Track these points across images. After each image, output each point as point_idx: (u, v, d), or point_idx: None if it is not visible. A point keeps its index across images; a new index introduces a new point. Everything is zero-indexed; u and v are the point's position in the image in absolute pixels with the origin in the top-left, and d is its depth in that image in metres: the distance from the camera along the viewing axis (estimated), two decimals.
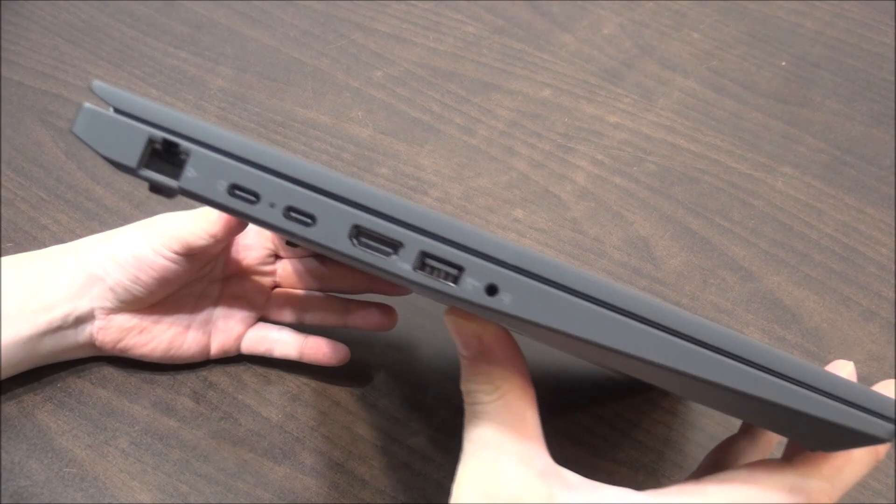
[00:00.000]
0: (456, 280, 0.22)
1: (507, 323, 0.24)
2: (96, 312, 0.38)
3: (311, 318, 0.42)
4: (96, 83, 0.22)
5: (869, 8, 0.60)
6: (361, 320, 0.41)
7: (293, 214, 0.21)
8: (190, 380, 0.42)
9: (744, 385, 0.22)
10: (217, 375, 0.42)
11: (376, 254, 0.21)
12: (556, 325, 0.21)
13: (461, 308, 0.25)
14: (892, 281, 0.47)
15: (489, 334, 0.26)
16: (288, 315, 0.42)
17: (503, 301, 0.21)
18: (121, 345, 0.39)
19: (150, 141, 0.22)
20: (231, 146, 0.22)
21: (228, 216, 0.36)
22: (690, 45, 0.58)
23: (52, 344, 0.38)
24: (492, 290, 0.21)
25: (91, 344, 0.39)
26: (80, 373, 0.41)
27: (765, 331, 0.45)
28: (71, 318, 0.38)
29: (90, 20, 0.58)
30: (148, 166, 0.22)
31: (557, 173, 0.51)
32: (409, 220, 0.22)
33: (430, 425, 0.41)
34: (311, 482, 0.39)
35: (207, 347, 0.41)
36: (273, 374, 0.42)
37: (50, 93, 0.54)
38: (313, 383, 0.42)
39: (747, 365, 0.22)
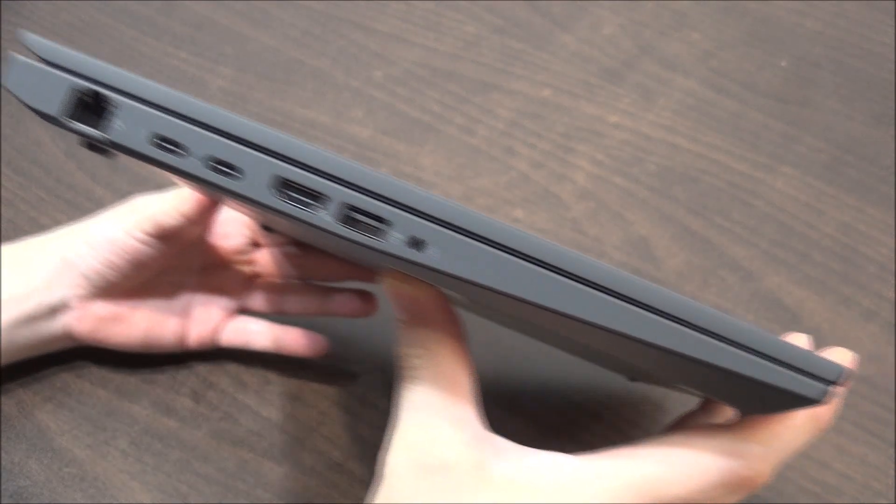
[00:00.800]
0: (381, 234, 0.21)
1: (435, 280, 0.24)
2: (71, 301, 0.38)
3: (292, 306, 0.41)
4: (24, 32, 0.22)
5: (869, 8, 0.60)
6: (342, 306, 0.40)
7: (216, 165, 0.21)
8: (190, 380, 0.42)
9: (666, 340, 0.21)
10: (217, 375, 0.42)
11: (299, 206, 0.21)
12: (482, 281, 0.21)
13: (391, 266, 0.25)
14: (893, 281, 0.47)
15: (423, 297, 0.26)
16: (268, 304, 0.41)
17: (429, 255, 0.21)
18: (98, 334, 0.39)
19: (75, 90, 0.21)
20: (156, 96, 0.21)
21: (200, 195, 0.35)
22: (690, 45, 0.58)
23: (27, 335, 0.38)
24: (417, 243, 0.21)
25: (68, 334, 0.39)
26: (80, 373, 0.41)
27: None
28: (45, 308, 0.37)
29: (90, 20, 0.58)
30: (75, 117, 0.21)
31: (557, 173, 0.51)
32: (334, 172, 0.21)
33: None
34: (311, 482, 0.39)
35: (185, 338, 0.40)
36: (273, 374, 0.42)
37: None
38: (313, 384, 0.42)
39: (672, 321, 0.21)
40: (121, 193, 0.49)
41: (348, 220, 0.21)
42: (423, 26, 0.59)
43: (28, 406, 0.40)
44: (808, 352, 0.22)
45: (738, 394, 0.25)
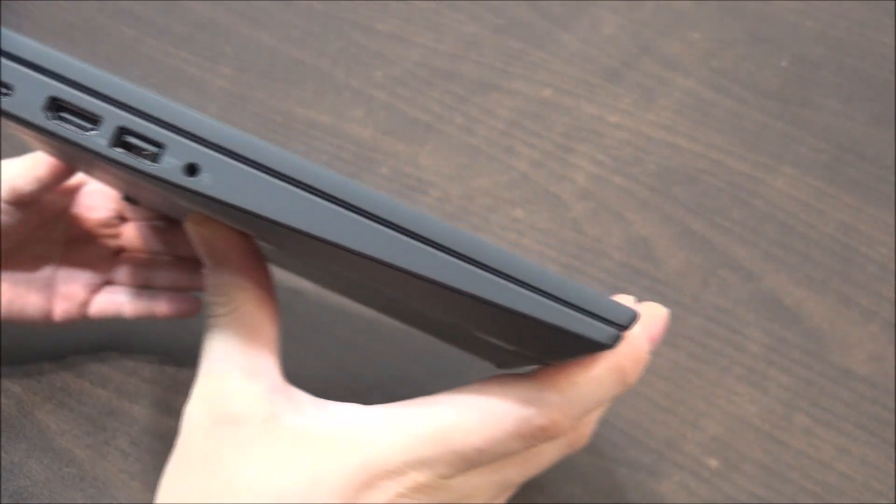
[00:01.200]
0: (155, 158, 0.20)
1: (218, 212, 0.23)
2: None
3: (161, 281, 0.40)
4: None
5: (869, 8, 0.60)
6: None
7: None
8: (190, 380, 0.42)
9: (440, 275, 0.21)
10: None
11: (72, 128, 0.20)
12: (254, 209, 0.20)
13: (186, 205, 0.24)
14: (893, 281, 0.47)
15: (222, 240, 0.25)
16: (135, 278, 0.40)
17: (203, 181, 0.20)
18: None
19: None
20: None
21: (54, 159, 0.34)
22: (690, 45, 0.58)
23: None
24: (192, 169, 0.20)
25: None
26: (80, 373, 0.41)
27: (765, 331, 0.45)
28: None
29: (90, 20, 0.58)
30: None
31: (557, 173, 0.51)
32: (108, 93, 0.20)
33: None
34: None
35: (49, 312, 0.39)
36: None
37: None
38: (314, 383, 0.42)
39: (449, 254, 0.21)
40: None
41: (122, 144, 0.20)
42: (423, 26, 0.59)
43: (28, 406, 0.40)
44: (597, 293, 0.21)
45: (534, 340, 0.24)
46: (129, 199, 0.39)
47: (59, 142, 0.21)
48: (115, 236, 0.40)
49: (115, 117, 0.20)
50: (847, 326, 0.45)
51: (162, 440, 0.40)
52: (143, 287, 0.40)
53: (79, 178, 0.39)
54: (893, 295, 0.46)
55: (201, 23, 0.59)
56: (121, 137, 0.20)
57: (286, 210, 0.20)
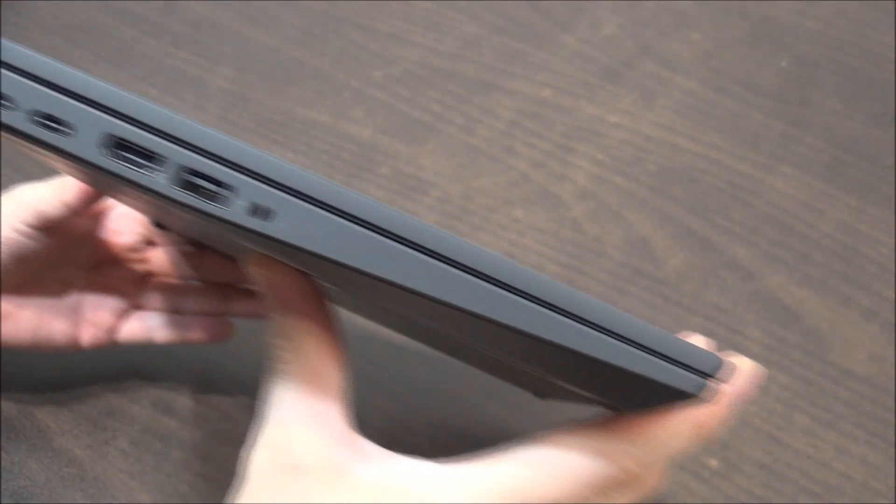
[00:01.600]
0: (222, 201, 0.19)
1: (288, 256, 0.22)
2: None
3: (192, 306, 0.39)
4: None
5: (869, 7, 0.60)
6: (243, 308, 0.39)
7: (44, 121, 0.19)
8: (190, 380, 0.42)
9: (516, 320, 0.20)
10: (217, 375, 0.42)
11: (132, 167, 0.19)
12: (331, 254, 0.19)
13: (250, 247, 0.23)
14: (893, 281, 0.47)
15: (287, 283, 0.24)
16: (163, 304, 0.39)
17: (274, 225, 0.19)
18: None
19: None
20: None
21: (82, 183, 0.34)
22: (690, 45, 0.58)
23: None
24: (262, 212, 0.19)
25: None
26: (80, 373, 0.41)
27: (765, 330, 0.45)
28: None
29: (90, 20, 0.58)
30: None
31: (557, 173, 0.51)
32: (172, 131, 0.19)
33: (430, 425, 0.41)
34: None
35: (77, 338, 0.38)
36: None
37: None
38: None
39: (529, 300, 0.20)
40: None
41: (187, 185, 0.19)
42: (423, 26, 0.59)
43: (28, 406, 0.40)
44: (682, 340, 0.20)
45: (609, 386, 0.23)
46: (159, 224, 0.38)
47: (115, 180, 0.20)
48: (143, 261, 0.40)
49: (179, 157, 0.19)
50: (847, 326, 0.45)
51: (162, 440, 0.40)
52: (173, 312, 0.40)
53: (105, 201, 0.38)
54: (893, 295, 0.46)
55: (201, 23, 0.59)
56: (185, 178, 0.19)
57: (363, 256, 0.19)
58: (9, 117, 0.19)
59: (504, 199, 0.50)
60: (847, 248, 0.48)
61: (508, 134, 0.53)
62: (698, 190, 0.51)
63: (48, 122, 0.19)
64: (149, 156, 0.19)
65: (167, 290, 0.39)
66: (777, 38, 0.59)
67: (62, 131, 0.19)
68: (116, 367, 0.42)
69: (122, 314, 0.39)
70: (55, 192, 0.34)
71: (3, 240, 0.34)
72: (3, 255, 0.34)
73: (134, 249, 0.39)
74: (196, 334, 0.39)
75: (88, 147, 0.19)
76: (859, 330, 0.45)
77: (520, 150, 0.52)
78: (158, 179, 0.19)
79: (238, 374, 0.42)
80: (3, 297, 0.36)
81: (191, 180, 0.19)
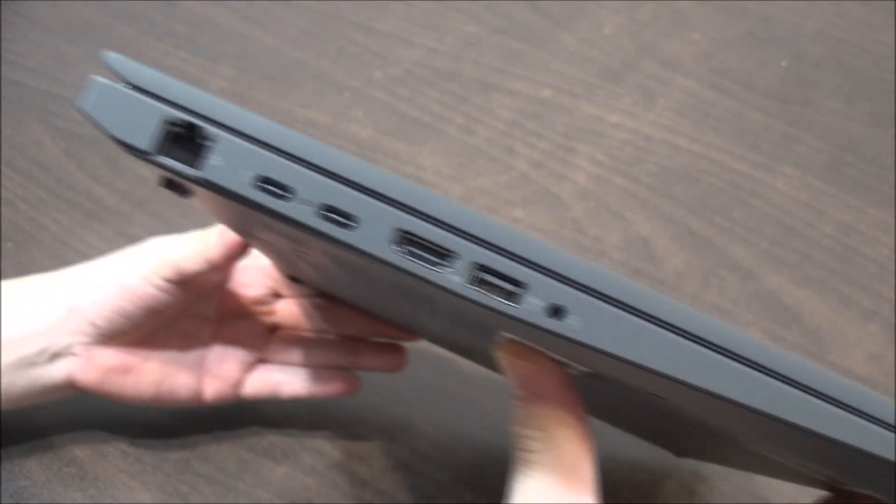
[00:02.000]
0: (515, 299, 0.19)
1: (568, 354, 0.22)
2: (75, 348, 0.35)
3: (318, 359, 0.39)
4: (109, 53, 0.19)
5: (869, 8, 0.60)
6: (371, 361, 0.39)
7: (329, 214, 0.19)
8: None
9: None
10: None
11: (424, 264, 0.19)
12: (628, 356, 0.18)
13: (517, 334, 0.22)
14: (893, 281, 0.47)
15: (545, 372, 0.23)
16: (291, 357, 0.39)
17: (570, 325, 0.18)
18: (105, 385, 0.36)
19: (167, 122, 0.19)
20: (262, 132, 0.19)
21: (229, 240, 0.33)
22: (690, 45, 0.58)
23: (25, 382, 0.35)
24: (557, 311, 0.19)
25: (70, 384, 0.36)
26: None
27: (765, 331, 0.45)
28: (46, 354, 0.35)
29: (90, 20, 0.58)
30: (164, 152, 0.19)
31: (557, 173, 0.51)
32: (465, 227, 0.19)
33: (430, 425, 0.41)
34: (311, 482, 0.39)
35: (201, 392, 0.37)
36: None
37: (50, 93, 0.54)
38: None
39: (814, 396, 0.19)
40: (120, 193, 0.49)
41: (480, 282, 0.19)
42: (423, 26, 0.59)
43: (28, 406, 0.40)
44: None
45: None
46: (294, 278, 0.38)
47: (397, 272, 0.19)
48: (270, 313, 0.39)
49: (472, 253, 0.19)
50: (847, 326, 0.45)
51: (162, 440, 0.40)
52: (300, 365, 0.39)
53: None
54: (893, 295, 0.46)
55: (201, 23, 0.59)
56: (478, 275, 0.19)
57: (665, 359, 0.18)
58: (294, 210, 0.19)
59: (504, 199, 0.50)
60: (847, 248, 0.48)
61: (508, 134, 0.53)
62: (698, 190, 0.51)
63: (336, 217, 0.19)
64: (441, 252, 0.19)
65: (294, 342, 0.39)
66: (777, 38, 0.59)
67: (349, 225, 0.19)
68: None
69: (248, 367, 0.38)
70: (198, 248, 0.33)
71: (137, 293, 0.34)
72: (135, 309, 0.34)
73: (261, 302, 0.38)
74: (324, 388, 0.38)
75: (377, 242, 0.19)
76: (859, 330, 0.45)
77: (520, 150, 0.52)
78: (452, 278, 0.19)
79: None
80: (126, 350, 0.36)
81: (484, 278, 0.19)
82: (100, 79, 0.19)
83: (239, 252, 0.34)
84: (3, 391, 0.34)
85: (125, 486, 0.38)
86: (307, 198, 0.19)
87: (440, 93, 0.55)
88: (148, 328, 0.35)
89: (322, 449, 0.40)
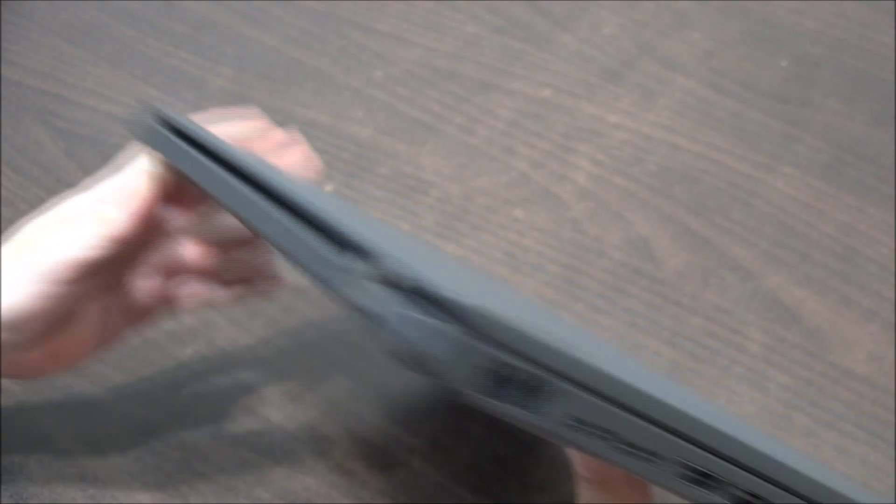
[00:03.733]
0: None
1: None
2: None
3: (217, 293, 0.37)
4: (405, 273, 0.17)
5: (869, 8, 0.60)
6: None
7: (691, 474, 0.20)
8: (190, 379, 0.42)
9: None
10: (217, 376, 0.42)
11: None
12: None
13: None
14: (893, 281, 0.47)
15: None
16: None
17: None
18: (43, 373, 0.34)
19: (493, 366, 0.16)
20: (609, 389, 0.18)
21: (134, 203, 0.30)
22: (690, 45, 0.58)
23: None
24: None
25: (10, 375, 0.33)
26: (80, 372, 0.41)
27: (765, 331, 0.45)
28: None
29: (90, 20, 0.58)
30: (483, 391, 0.17)
31: (557, 173, 0.51)
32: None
33: (430, 425, 0.41)
34: (311, 482, 0.39)
35: (141, 317, 0.36)
36: (273, 374, 0.42)
37: (50, 93, 0.54)
38: (313, 384, 0.42)
39: None
40: None
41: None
42: (423, 26, 0.59)
43: (28, 406, 0.40)
44: None
45: None
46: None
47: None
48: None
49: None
50: (847, 326, 0.45)
51: (162, 440, 0.40)
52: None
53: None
54: (893, 295, 0.46)
55: (201, 23, 0.59)
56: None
57: None
58: (661, 477, 0.19)
59: (504, 199, 0.50)
60: (847, 248, 0.48)
61: (508, 134, 0.53)
62: (698, 190, 0.51)
63: (700, 479, 0.20)
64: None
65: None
66: (777, 38, 0.59)
67: (709, 486, 0.20)
68: (116, 367, 0.42)
69: (165, 293, 0.36)
70: (96, 230, 0.31)
71: (29, 314, 0.30)
72: (31, 327, 0.31)
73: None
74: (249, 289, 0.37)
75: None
76: (859, 330, 0.45)
77: (520, 150, 0.52)
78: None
79: (237, 374, 0.42)
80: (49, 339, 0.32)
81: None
82: (404, 311, 0.16)
83: (151, 205, 0.30)
84: None
85: (125, 486, 0.38)
86: (664, 456, 0.19)
87: (440, 93, 0.55)
88: (56, 326, 0.32)
89: (322, 449, 0.40)
